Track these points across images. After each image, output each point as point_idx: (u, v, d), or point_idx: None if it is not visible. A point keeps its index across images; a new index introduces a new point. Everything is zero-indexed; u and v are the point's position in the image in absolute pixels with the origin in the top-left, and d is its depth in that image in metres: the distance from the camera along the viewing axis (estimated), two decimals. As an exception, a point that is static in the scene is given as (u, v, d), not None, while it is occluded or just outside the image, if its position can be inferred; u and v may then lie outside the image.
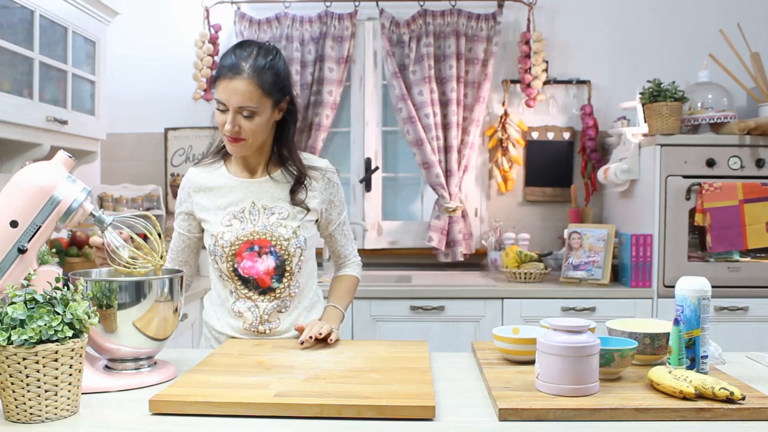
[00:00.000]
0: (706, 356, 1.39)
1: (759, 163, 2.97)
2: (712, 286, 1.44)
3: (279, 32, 3.60)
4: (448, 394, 1.34)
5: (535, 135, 3.70)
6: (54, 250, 2.70)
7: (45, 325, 1.14)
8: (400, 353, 1.59)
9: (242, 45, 1.73)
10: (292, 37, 3.57)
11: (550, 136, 3.70)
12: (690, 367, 1.37)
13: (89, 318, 1.20)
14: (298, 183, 1.81)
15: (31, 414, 1.15)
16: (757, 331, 2.98)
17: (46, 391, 1.15)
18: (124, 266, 1.46)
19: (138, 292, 1.40)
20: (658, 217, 2.99)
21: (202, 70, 3.60)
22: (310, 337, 1.64)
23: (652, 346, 1.48)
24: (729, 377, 1.39)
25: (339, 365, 1.48)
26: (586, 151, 3.61)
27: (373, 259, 3.67)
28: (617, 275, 3.19)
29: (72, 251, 2.88)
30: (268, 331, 1.80)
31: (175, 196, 3.62)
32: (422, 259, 3.70)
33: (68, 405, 1.18)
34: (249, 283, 1.78)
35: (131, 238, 1.59)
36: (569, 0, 3.68)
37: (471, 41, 3.57)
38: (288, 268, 1.78)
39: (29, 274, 1.22)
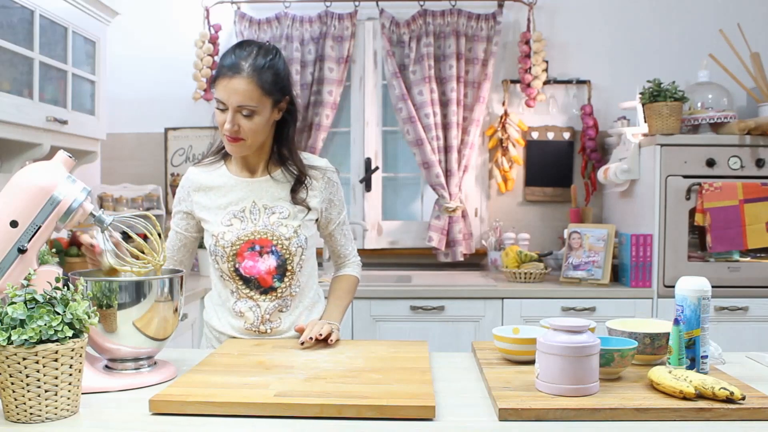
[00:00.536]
0: (706, 356, 1.39)
1: (759, 163, 2.97)
2: (712, 286, 1.44)
3: (279, 32, 3.60)
4: (448, 394, 1.34)
5: (535, 135, 3.70)
6: (54, 250, 2.70)
7: (45, 325, 1.14)
8: (400, 353, 1.59)
9: (242, 45, 1.73)
10: (292, 37, 3.57)
11: (550, 136, 3.70)
12: (690, 367, 1.37)
13: (89, 318, 1.20)
14: (299, 182, 1.81)
15: (31, 414, 1.15)
16: (757, 331, 2.98)
17: (46, 391, 1.15)
18: (115, 268, 1.46)
19: (138, 292, 1.39)
20: (658, 217, 2.99)
21: (202, 70, 3.60)
22: (311, 338, 1.64)
23: (652, 346, 1.48)
24: (729, 377, 1.39)
25: (339, 365, 1.48)
26: (586, 151, 3.61)
27: (373, 259, 3.67)
28: (617, 275, 3.19)
29: (72, 251, 2.88)
30: (269, 331, 1.80)
31: (174, 196, 3.62)
32: (422, 259, 3.70)
33: (68, 405, 1.18)
34: (250, 282, 1.78)
35: (128, 237, 1.59)
36: (569, 0, 3.68)
37: (471, 41, 3.57)
38: (289, 268, 1.78)
39: (29, 274, 1.22)
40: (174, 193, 3.66)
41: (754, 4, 3.61)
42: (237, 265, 1.77)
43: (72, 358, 1.17)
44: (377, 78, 3.74)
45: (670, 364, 1.35)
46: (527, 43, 3.59)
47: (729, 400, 1.20)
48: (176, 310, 1.47)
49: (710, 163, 2.97)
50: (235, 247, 1.76)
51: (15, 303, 1.15)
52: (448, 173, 3.56)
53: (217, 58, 3.63)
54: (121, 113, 3.68)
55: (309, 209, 1.82)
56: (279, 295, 1.80)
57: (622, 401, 1.21)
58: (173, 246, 1.89)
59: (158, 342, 1.45)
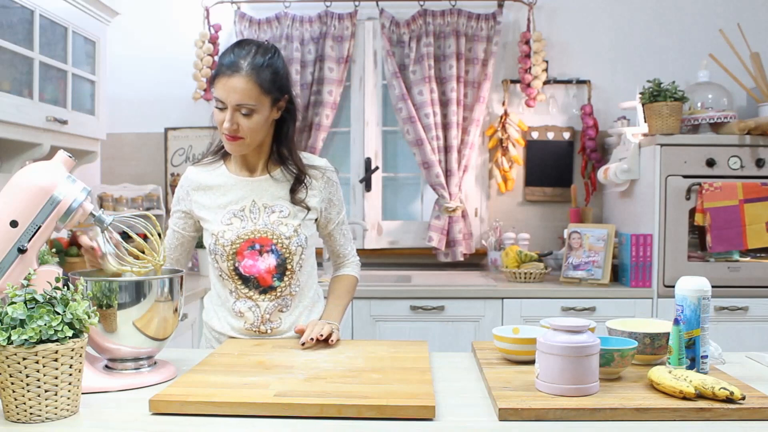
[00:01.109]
0: (706, 356, 1.39)
1: (759, 163, 2.97)
2: (712, 286, 1.44)
3: (279, 32, 3.60)
4: (448, 394, 1.34)
5: (535, 135, 3.70)
6: (54, 250, 2.69)
7: (45, 325, 1.14)
8: (400, 353, 1.59)
9: (241, 43, 1.73)
10: (292, 36, 3.57)
11: (550, 136, 3.70)
12: (690, 367, 1.37)
13: (89, 318, 1.20)
14: (298, 182, 1.81)
15: (31, 414, 1.15)
16: (757, 331, 2.98)
17: (46, 391, 1.15)
18: (116, 270, 1.46)
19: (138, 292, 1.40)
20: (658, 217, 2.99)
21: (202, 70, 3.60)
22: (312, 339, 1.64)
23: (652, 346, 1.48)
24: (729, 377, 1.39)
25: (339, 365, 1.48)
26: (586, 151, 3.61)
27: (373, 258, 3.67)
28: (617, 275, 3.19)
29: (72, 251, 2.88)
30: (269, 331, 1.80)
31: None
32: (422, 259, 3.70)
33: (68, 405, 1.18)
34: (249, 282, 1.78)
35: (128, 237, 1.59)
36: (569, 0, 3.68)
37: (471, 41, 3.57)
38: (289, 267, 1.78)
39: (29, 274, 1.22)
40: (174, 193, 3.67)
41: (754, 4, 3.61)
42: (237, 264, 1.77)
43: (72, 358, 1.17)
44: (377, 78, 3.74)
45: (670, 364, 1.34)
46: (527, 43, 3.59)
47: (729, 400, 1.20)
48: (176, 310, 1.47)
49: (710, 163, 2.97)
50: (234, 245, 1.76)
51: (15, 303, 1.15)
52: (448, 173, 3.56)
53: (217, 58, 3.63)
54: (121, 113, 3.68)
55: (308, 209, 1.82)
56: (278, 294, 1.80)
57: (622, 401, 1.21)
58: (170, 245, 1.89)
59: (158, 342, 1.45)
